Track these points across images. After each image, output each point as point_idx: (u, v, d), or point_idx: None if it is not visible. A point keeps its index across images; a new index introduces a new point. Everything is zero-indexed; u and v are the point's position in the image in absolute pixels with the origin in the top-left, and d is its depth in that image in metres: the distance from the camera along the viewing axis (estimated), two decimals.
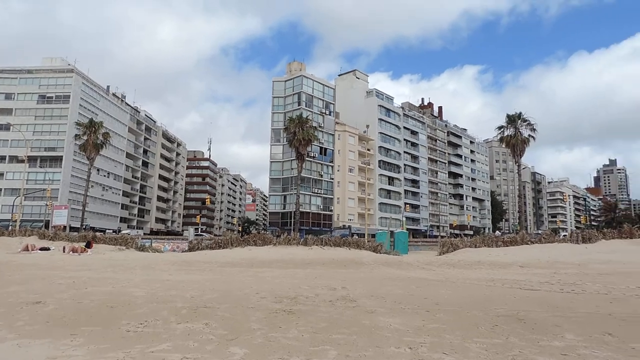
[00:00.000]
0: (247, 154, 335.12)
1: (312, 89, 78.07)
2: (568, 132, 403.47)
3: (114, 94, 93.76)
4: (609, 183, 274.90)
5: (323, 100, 79.60)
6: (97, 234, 34.60)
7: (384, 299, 9.53)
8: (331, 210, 77.11)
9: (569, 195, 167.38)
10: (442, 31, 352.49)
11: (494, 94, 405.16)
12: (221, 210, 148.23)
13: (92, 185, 67.51)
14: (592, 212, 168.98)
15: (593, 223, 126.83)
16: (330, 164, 78.19)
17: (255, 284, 12.61)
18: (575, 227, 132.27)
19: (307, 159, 63.42)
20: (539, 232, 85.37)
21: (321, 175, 76.37)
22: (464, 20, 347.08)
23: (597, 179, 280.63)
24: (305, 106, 75.19)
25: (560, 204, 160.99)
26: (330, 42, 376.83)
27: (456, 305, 8.86)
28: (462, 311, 8.15)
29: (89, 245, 27.37)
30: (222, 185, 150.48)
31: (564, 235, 34.89)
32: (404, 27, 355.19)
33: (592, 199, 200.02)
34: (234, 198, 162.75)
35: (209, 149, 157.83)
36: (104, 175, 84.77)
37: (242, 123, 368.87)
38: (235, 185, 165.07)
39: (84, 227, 53.70)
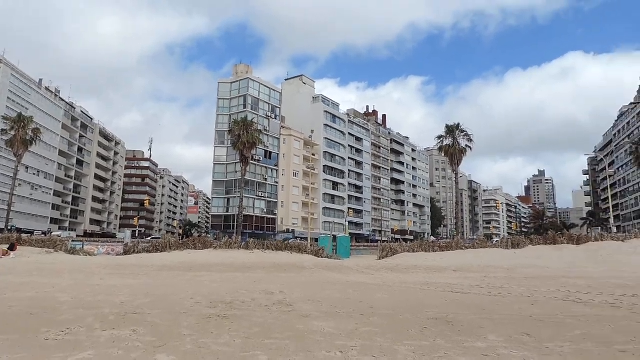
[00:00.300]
0: (190, 156, 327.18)
1: (258, 92, 77.59)
2: (503, 144, 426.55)
3: (46, 88, 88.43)
4: (538, 192, 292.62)
5: (269, 103, 79.29)
6: (24, 235, 32.43)
7: (321, 303, 9.60)
8: (275, 214, 76.78)
9: (502, 203, 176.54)
10: (389, 42, 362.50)
11: (436, 104, 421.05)
12: (161, 213, 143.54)
13: (19, 184, 63.25)
14: (522, 219, 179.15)
15: (523, 229, 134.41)
16: (275, 167, 77.90)
17: (192, 288, 12.30)
18: (507, 233, 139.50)
19: (251, 162, 62.86)
20: (473, 237, 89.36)
21: (265, 179, 75.90)
22: (410, 32, 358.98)
23: (527, 188, 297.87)
24: (251, 109, 74.56)
25: (495, 211, 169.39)
26: (279, 46, 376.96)
27: (390, 308, 9.07)
28: (395, 314, 8.35)
29: (12, 248, 25.58)
30: (163, 186, 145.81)
31: (496, 241, 36.72)
32: (352, 35, 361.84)
33: (523, 207, 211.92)
34: (176, 200, 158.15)
35: (150, 149, 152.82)
36: (34, 174, 79.66)
37: (186, 124, 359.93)
38: (177, 187, 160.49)
39: (8, 228, 50.10)
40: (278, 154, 78.52)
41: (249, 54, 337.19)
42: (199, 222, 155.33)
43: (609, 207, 79.08)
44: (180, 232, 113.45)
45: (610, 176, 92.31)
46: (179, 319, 7.61)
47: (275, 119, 79.67)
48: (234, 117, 63.87)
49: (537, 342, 6.31)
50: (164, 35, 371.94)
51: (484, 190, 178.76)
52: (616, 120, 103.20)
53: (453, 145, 52.11)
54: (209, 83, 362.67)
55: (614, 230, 69.31)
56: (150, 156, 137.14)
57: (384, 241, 79.35)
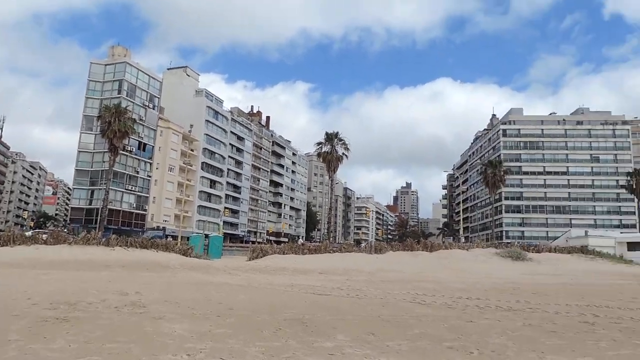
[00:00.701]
0: (52, 140, 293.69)
1: (136, 78, 72.61)
2: (378, 155, 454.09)
3: None
4: (404, 202, 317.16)
5: (148, 92, 74.65)
6: None
7: (178, 305, 9.24)
8: (145, 210, 72.35)
9: (372, 211, 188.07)
10: (281, 45, 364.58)
11: (320, 111, 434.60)
12: (10, 202, 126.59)
13: None
14: (389, 227, 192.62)
15: (389, 236, 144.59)
16: (149, 160, 73.47)
17: (33, 287, 11.01)
18: (375, 239, 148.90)
19: (122, 152, 58.53)
20: (341, 242, 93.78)
21: (137, 172, 71.17)
22: (302, 38, 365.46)
23: (395, 198, 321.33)
24: (127, 96, 69.46)
25: (365, 218, 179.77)
26: (165, 32, 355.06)
27: (250, 310, 9.07)
28: (253, 316, 8.37)
29: None
30: (14, 172, 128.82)
31: (363, 246, 38.89)
32: (244, 33, 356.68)
33: (390, 215, 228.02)
34: (29, 189, 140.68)
35: (1, 129, 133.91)
36: None
37: (50, 104, 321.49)
38: (33, 174, 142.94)
39: None
40: (153, 147, 74.17)
41: (131, 37, 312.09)
42: (56, 214, 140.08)
43: (460, 220, 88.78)
44: (32, 224, 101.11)
45: (463, 192, 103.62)
46: (8, 322, 6.74)
47: (153, 109, 75.22)
48: (105, 103, 58.80)
49: (380, 340, 6.78)
50: (32, 1, 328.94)
51: (358, 198, 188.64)
52: (472, 143, 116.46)
53: (331, 153, 54.14)
54: (81, 63, 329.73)
55: (462, 240, 77.98)
56: (1, 137, 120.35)
57: (259, 242, 79.38)
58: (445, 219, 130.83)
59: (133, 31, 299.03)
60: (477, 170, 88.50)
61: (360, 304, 10.98)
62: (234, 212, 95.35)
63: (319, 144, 55.22)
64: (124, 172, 68.26)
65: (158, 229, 66.50)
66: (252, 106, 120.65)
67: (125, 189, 68.66)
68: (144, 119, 71.78)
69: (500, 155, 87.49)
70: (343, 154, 54.71)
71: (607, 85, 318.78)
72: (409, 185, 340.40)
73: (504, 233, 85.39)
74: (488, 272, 23.43)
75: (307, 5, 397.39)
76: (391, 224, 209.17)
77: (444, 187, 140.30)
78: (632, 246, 43.46)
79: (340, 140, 54.68)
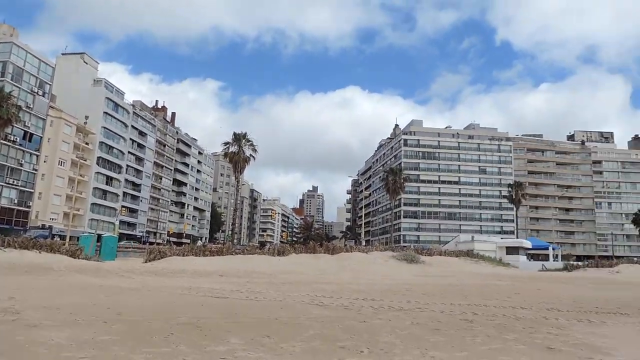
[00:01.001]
0: None
1: (24, 61, 65.71)
2: (287, 158, 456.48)
3: None
4: (310, 205, 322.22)
5: (37, 77, 67.91)
6: None
7: (59, 310, 8.50)
8: (29, 207, 65.62)
9: (278, 213, 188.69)
10: (192, 39, 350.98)
11: (230, 111, 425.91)
12: None
13: None
14: (294, 230, 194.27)
15: (294, 239, 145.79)
16: (35, 152, 66.78)
17: None
18: (280, 241, 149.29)
19: (3, 142, 52.68)
20: (245, 244, 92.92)
21: (21, 164, 64.35)
22: (214, 35, 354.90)
23: (302, 201, 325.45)
24: (12, 79, 62.60)
25: (271, 220, 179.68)
26: (63, 13, 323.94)
27: (140, 315, 8.60)
28: (144, 321, 7.95)
29: None
30: None
31: (266, 248, 38.81)
32: (153, 23, 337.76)
33: (296, 218, 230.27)
34: None
35: None
36: None
37: None
38: None
39: None
40: (41, 138, 67.56)
41: (20, 15, 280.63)
42: None
43: (362, 224, 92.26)
44: None
45: (366, 197, 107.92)
46: None
47: (43, 96, 68.57)
48: None
49: (274, 343, 6.79)
50: None
51: (264, 200, 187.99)
52: (376, 150, 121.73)
53: (238, 153, 53.36)
54: None
55: (364, 243, 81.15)
56: None
57: (158, 243, 75.67)
58: (349, 223, 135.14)
59: (24, 8, 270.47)
60: (380, 177, 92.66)
61: (258, 306, 10.93)
62: (133, 212, 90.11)
63: (226, 144, 54.22)
64: (5, 163, 61.43)
65: (44, 228, 60.68)
66: (157, 101, 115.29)
67: (6, 183, 61.79)
68: (31, 106, 65.23)
69: (401, 163, 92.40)
70: (250, 155, 54.26)
71: (495, 105, 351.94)
72: (315, 188, 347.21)
73: (402, 237, 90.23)
74: (385, 274, 24.58)
75: (220, 1, 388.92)
76: (297, 226, 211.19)
77: (349, 192, 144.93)
78: (510, 250, 48.40)
79: (249, 141, 54.15)
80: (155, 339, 6.59)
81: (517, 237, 67.68)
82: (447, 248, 46.85)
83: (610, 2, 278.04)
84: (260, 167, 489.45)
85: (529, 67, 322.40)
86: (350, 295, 13.77)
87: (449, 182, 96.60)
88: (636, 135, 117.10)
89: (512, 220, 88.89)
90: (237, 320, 8.68)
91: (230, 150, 53.69)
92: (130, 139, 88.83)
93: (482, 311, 11.20)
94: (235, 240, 56.49)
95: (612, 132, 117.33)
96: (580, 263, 47.76)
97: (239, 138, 53.84)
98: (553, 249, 58.22)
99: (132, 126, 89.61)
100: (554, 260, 49.55)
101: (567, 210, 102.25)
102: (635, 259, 59.82)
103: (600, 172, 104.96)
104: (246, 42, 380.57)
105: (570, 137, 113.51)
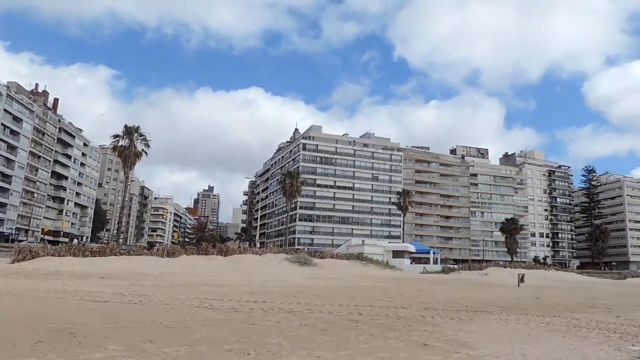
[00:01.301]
0: None
1: None
2: (183, 155, 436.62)
3: None
4: (205, 206, 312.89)
5: None
6: None
7: None
8: None
9: (170, 212, 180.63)
10: (84, 21, 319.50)
11: (123, 102, 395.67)
12: None
13: None
14: (187, 230, 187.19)
15: (186, 239, 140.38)
16: None
17: None
18: (171, 242, 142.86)
19: None
20: (131, 244, 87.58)
21: None
22: (109, 19, 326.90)
23: (196, 201, 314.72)
24: None
25: (162, 219, 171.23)
26: None
27: (2, 321, 7.71)
28: (7, 328, 7.15)
29: None
30: None
31: (155, 249, 36.97)
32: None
33: (189, 218, 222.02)
34: None
35: None
36: None
37: None
38: None
39: None
40: None
41: None
42: None
43: (257, 226, 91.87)
44: None
45: (262, 199, 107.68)
46: None
47: None
48: None
49: (158, 348, 6.50)
50: None
51: (156, 198, 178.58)
52: (275, 153, 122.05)
53: (129, 147, 50.18)
54: None
55: (258, 245, 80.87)
56: None
57: (30, 242, 68.11)
58: (245, 225, 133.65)
59: None
60: (277, 180, 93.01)
61: (142, 310, 10.38)
62: (1, 206, 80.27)
63: (116, 136, 50.70)
64: None
65: None
66: (37, 84, 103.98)
67: None
68: None
69: (299, 167, 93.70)
70: (143, 150, 51.32)
71: (390, 116, 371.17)
72: (211, 188, 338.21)
73: (296, 240, 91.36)
74: (277, 276, 24.72)
75: None
76: (190, 227, 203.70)
77: (246, 194, 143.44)
78: (396, 254, 51.52)
79: (141, 135, 51.21)
80: (21, 347, 5.97)
81: (403, 242, 72.13)
82: (339, 251, 48.45)
83: (491, 35, 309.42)
84: (153, 164, 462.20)
85: (422, 84, 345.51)
86: (242, 298, 13.66)
87: (344, 188, 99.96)
88: (506, 153, 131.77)
89: (400, 226, 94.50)
90: (118, 325, 8.17)
91: (120, 143, 50.32)
92: (2, 124, 79.17)
93: (368, 311, 11.78)
94: (121, 240, 52.73)
95: (487, 149, 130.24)
96: (456, 266, 52.58)
97: (130, 131, 50.68)
98: (434, 253, 63.21)
99: (5, 110, 79.94)
100: (434, 264, 53.76)
101: (447, 217, 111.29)
102: (501, 262, 67.43)
103: (476, 184, 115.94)
104: (145, 32, 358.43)
105: (453, 151, 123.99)
